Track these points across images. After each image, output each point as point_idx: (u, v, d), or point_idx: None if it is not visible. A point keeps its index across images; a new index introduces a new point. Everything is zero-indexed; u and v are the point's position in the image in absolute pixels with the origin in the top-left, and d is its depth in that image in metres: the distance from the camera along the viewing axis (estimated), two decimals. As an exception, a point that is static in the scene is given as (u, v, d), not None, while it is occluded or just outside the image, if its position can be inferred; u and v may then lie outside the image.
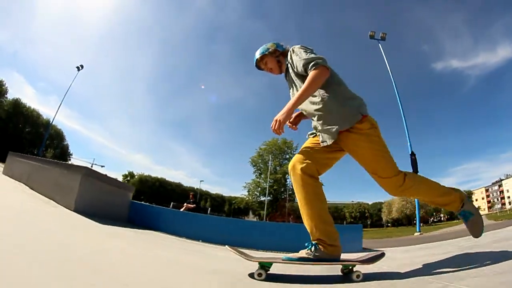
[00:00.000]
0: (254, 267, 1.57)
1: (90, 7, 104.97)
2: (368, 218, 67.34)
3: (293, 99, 1.64)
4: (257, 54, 2.02)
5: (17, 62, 76.72)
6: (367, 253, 1.91)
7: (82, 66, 31.19)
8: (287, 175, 39.94)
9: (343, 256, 1.65)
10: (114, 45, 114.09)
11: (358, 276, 1.45)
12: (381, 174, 1.64)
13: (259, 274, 1.47)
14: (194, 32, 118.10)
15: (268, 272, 1.53)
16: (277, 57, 2.00)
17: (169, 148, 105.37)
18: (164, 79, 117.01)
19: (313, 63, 1.66)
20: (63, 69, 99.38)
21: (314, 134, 1.86)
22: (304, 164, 1.70)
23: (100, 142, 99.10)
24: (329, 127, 1.68)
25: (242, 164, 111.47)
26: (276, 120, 1.62)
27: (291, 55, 1.84)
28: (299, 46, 1.84)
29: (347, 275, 1.56)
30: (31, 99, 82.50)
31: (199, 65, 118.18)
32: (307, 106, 1.79)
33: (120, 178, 50.89)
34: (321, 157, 1.75)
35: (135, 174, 61.98)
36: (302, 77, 1.76)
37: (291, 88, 1.90)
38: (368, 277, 1.50)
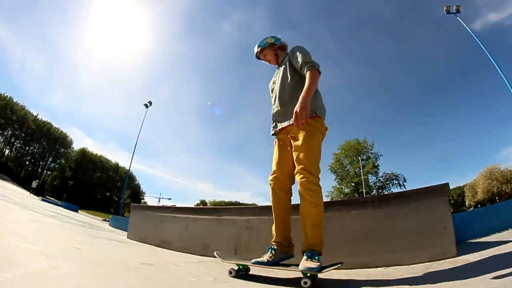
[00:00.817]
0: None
1: (127, 54, 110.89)
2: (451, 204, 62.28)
3: (305, 94, 1.76)
4: (257, 47, 2.35)
5: (73, 118, 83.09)
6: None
7: (150, 103, 29.65)
8: (369, 175, 37.41)
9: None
10: (156, 85, 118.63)
11: (305, 283, 1.49)
12: (307, 167, 1.72)
13: (230, 272, 1.84)
14: (229, 57, 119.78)
15: (245, 272, 1.87)
16: (275, 50, 2.33)
17: (229, 172, 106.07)
18: (211, 106, 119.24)
19: (312, 64, 1.91)
20: (115, 116, 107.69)
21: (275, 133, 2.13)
22: (282, 179, 1.93)
23: (164, 177, 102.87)
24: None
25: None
26: (298, 112, 1.71)
27: (293, 51, 2.10)
28: (302, 46, 2.11)
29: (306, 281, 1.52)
30: (93, 148, 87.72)
31: (241, 86, 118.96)
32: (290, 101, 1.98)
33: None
34: (288, 157, 1.93)
35: (207, 201, 63.51)
36: (295, 70, 2.06)
37: (277, 76, 2.21)
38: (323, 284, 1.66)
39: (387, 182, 34.71)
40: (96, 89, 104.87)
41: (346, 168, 36.46)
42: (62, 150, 45.77)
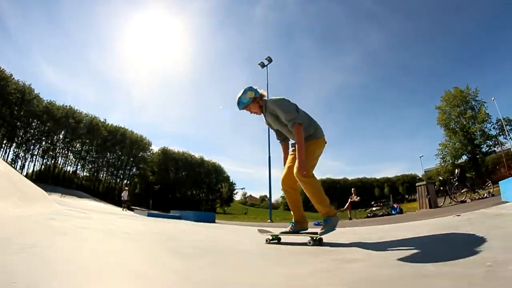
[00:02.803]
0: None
1: (170, 61, 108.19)
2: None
3: (299, 155, 2.42)
4: (241, 104, 2.72)
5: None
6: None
7: (270, 59, 22.82)
8: (485, 122, 35.67)
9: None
10: (205, 83, 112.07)
11: (309, 242, 2.38)
12: (300, 166, 2.41)
13: (267, 240, 2.78)
14: (271, 40, 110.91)
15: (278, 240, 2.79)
16: (257, 102, 2.73)
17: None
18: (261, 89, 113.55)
19: (294, 121, 2.46)
20: (172, 120, 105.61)
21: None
22: (287, 182, 2.71)
23: (230, 169, 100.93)
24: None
25: (370, 144, 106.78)
26: (301, 171, 2.41)
27: (272, 106, 2.61)
28: (278, 99, 2.64)
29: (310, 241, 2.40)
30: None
31: (291, 65, 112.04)
32: (290, 135, 2.68)
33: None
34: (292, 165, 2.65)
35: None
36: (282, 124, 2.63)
37: (269, 120, 2.78)
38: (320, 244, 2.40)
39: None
40: (150, 99, 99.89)
41: (460, 119, 34.71)
42: (140, 154, 42.06)
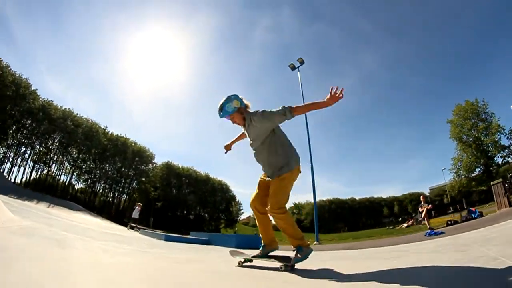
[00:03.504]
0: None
1: (171, 80, 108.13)
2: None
3: (316, 103, 2.45)
4: (224, 113, 2.57)
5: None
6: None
7: (302, 62, 19.90)
8: (498, 133, 36.28)
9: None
10: (206, 104, 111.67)
11: (281, 267, 2.37)
12: (275, 202, 2.47)
13: (239, 262, 2.73)
14: (271, 61, 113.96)
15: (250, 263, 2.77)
16: (241, 114, 2.60)
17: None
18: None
19: (281, 111, 2.42)
20: (173, 137, 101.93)
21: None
22: (258, 206, 2.68)
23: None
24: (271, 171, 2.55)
25: (366, 164, 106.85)
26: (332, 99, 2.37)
27: (258, 118, 2.48)
28: (264, 110, 2.50)
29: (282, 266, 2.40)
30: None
31: (289, 88, 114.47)
32: (264, 157, 2.61)
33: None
34: (266, 192, 2.61)
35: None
36: (265, 134, 2.52)
37: (253, 141, 2.61)
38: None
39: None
40: (151, 115, 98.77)
41: (471, 132, 35.00)
42: (142, 167, 38.82)
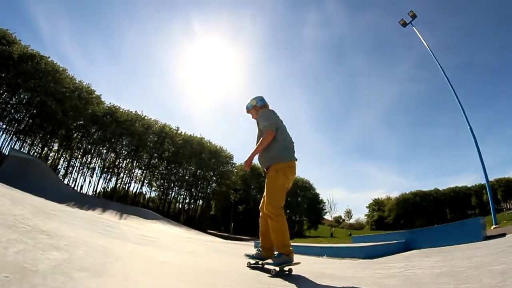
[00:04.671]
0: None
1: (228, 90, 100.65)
2: None
3: (252, 151, 2.61)
4: (246, 108, 2.96)
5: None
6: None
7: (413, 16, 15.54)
8: None
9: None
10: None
11: (273, 271, 2.38)
12: (267, 207, 2.51)
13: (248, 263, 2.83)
14: (321, 60, 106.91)
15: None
16: (256, 111, 2.88)
17: (359, 173, 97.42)
18: (320, 112, 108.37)
19: (267, 127, 2.58)
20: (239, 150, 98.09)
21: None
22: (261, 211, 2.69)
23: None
24: (262, 163, 2.68)
25: (437, 155, 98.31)
26: (245, 163, 2.61)
27: (259, 115, 2.77)
28: (264, 110, 2.80)
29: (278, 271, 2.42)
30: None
31: (345, 84, 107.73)
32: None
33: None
34: None
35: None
36: (260, 130, 2.72)
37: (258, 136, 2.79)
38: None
39: None
40: (212, 128, 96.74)
41: None
42: (220, 168, 33.26)
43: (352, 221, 55.50)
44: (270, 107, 2.93)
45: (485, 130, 78.73)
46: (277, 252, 2.51)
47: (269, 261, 2.58)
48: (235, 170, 33.69)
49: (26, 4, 65.46)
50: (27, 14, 63.97)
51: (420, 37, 12.59)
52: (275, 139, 2.60)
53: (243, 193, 33.35)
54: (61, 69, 31.47)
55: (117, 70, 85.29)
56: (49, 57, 29.95)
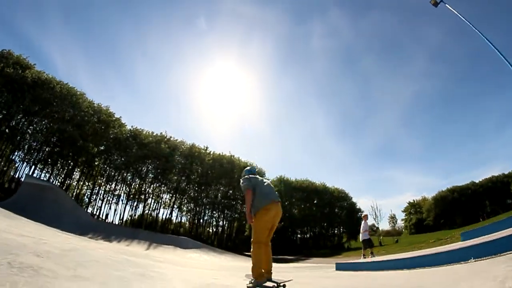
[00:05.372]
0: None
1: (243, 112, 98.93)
2: None
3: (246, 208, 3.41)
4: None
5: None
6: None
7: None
8: None
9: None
10: (283, 125, 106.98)
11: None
12: (252, 236, 3.30)
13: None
14: (333, 68, 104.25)
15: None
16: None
17: (382, 178, 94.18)
18: (339, 121, 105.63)
19: (244, 189, 3.42)
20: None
21: None
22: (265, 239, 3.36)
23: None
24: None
25: (463, 148, 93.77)
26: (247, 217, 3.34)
27: (240, 183, 3.62)
28: (242, 178, 3.61)
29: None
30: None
31: (359, 91, 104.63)
32: None
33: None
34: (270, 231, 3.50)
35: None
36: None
37: None
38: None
39: None
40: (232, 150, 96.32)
41: None
42: None
43: (386, 227, 52.34)
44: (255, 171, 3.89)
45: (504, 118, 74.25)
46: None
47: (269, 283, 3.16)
48: None
49: (40, 38, 65.37)
50: (40, 47, 64.30)
51: (456, 12, 10.63)
52: (254, 195, 3.44)
53: (279, 210, 31.04)
54: (78, 93, 29.68)
55: (133, 99, 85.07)
56: (66, 83, 28.14)
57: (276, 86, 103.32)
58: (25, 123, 29.16)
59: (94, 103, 29.38)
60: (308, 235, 34.28)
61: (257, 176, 3.72)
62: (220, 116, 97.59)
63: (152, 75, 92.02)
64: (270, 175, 36.33)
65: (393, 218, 50.29)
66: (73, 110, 28.73)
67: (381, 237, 30.74)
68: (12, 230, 4.39)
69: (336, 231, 36.13)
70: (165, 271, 4.04)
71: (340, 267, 7.02)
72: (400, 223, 51.80)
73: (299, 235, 33.73)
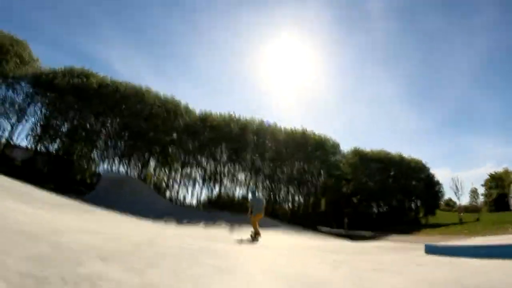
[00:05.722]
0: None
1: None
2: None
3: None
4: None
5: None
6: None
7: None
8: None
9: None
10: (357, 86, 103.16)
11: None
12: (252, 222, 10.63)
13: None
14: (394, 29, 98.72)
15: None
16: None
17: (461, 148, 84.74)
18: (407, 86, 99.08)
19: (249, 204, 10.98)
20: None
21: None
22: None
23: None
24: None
25: None
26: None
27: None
28: (249, 199, 12.04)
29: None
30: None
31: (424, 52, 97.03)
32: None
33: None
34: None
35: None
36: None
37: None
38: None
39: None
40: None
41: None
42: (329, 158, 29.44)
43: (464, 203, 47.42)
44: None
45: None
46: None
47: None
48: (343, 159, 30.25)
49: (99, 49, 70.65)
50: (101, 57, 69.71)
51: None
52: (253, 207, 10.06)
53: (356, 183, 29.52)
54: (143, 89, 31.10)
55: (197, 84, 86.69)
56: (130, 82, 30.32)
57: (337, 52, 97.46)
58: (98, 124, 31.11)
59: (160, 95, 30.56)
60: (384, 209, 32.28)
61: (256, 195, 12.42)
62: (286, 90, 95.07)
63: (212, 57, 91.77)
64: (344, 146, 34.08)
65: (474, 193, 45.71)
66: (140, 105, 30.13)
67: (461, 214, 27.85)
68: (88, 227, 4.27)
69: (412, 205, 33.59)
70: (245, 259, 3.78)
71: (431, 249, 5.98)
72: (481, 198, 47.03)
73: (375, 209, 31.87)
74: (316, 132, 29.64)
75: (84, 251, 2.50)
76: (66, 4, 68.69)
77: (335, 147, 29.94)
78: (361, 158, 29.91)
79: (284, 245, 10.24)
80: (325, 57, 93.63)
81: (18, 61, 29.37)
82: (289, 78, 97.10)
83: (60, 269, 1.77)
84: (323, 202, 29.92)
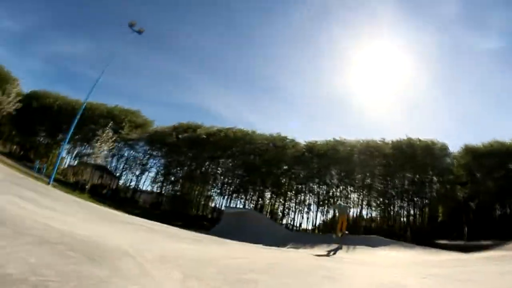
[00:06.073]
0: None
1: None
2: None
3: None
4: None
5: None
6: None
7: None
8: None
9: None
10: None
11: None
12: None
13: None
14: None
15: None
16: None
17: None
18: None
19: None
20: None
21: None
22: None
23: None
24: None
25: None
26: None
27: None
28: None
29: None
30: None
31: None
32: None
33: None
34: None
35: None
36: None
37: None
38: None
39: None
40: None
41: None
42: (439, 164, 29.47)
43: None
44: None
45: None
46: None
47: None
48: (454, 161, 30.24)
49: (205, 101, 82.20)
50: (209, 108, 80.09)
51: None
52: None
53: (473, 186, 29.29)
54: (250, 132, 36.56)
55: (298, 115, 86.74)
56: (235, 126, 37.13)
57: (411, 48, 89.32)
58: (213, 166, 37.15)
59: (266, 134, 35.61)
60: (508, 211, 30.74)
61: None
62: (382, 101, 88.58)
63: (307, 86, 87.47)
64: (453, 148, 31.90)
65: None
66: (250, 145, 35.41)
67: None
68: (233, 254, 5.87)
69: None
70: (349, 272, 4.87)
71: None
72: None
73: (498, 211, 30.57)
74: (422, 138, 30.38)
75: (241, 268, 4.07)
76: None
77: (443, 149, 30.00)
78: (474, 156, 29.22)
79: (390, 261, 9.81)
80: (419, 56, 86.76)
81: (133, 125, 38.73)
82: (383, 88, 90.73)
83: (232, 276, 3.21)
84: (439, 212, 30.06)
